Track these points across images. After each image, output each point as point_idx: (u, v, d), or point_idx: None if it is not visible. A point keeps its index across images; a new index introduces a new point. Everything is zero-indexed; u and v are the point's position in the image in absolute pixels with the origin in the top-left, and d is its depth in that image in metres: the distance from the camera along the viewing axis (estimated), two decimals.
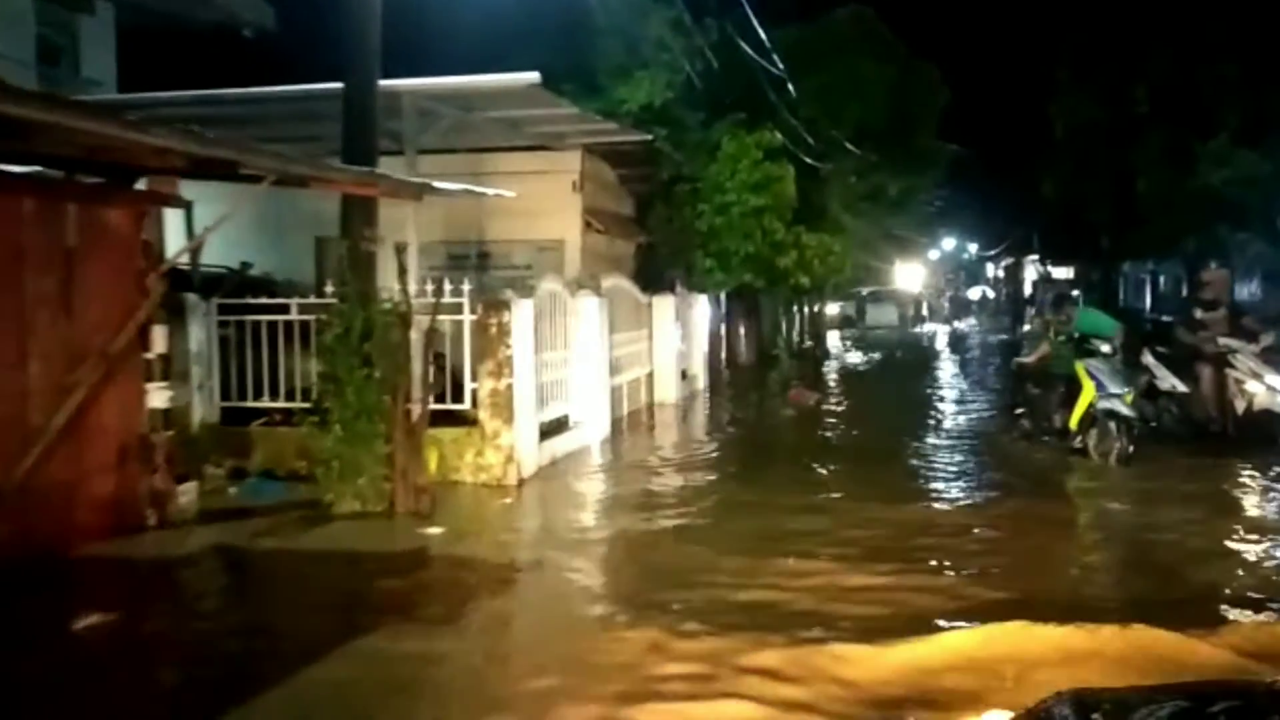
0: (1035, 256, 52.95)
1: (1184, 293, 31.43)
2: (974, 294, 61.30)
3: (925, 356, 29.53)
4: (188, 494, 9.24)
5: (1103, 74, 27.67)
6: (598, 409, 12.88)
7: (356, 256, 9.40)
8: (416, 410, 9.05)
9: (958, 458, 11.96)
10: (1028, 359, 12.88)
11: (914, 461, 11.79)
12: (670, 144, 17.92)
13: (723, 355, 22.52)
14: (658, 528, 8.51)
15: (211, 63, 18.34)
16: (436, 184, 8.98)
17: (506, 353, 10.07)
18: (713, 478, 10.77)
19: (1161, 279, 39.19)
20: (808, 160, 20.95)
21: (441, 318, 10.35)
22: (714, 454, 12.41)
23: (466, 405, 10.32)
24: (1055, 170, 32.23)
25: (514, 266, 15.84)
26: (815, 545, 7.68)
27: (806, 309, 30.56)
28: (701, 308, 19.30)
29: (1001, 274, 64.03)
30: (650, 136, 15.87)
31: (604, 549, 8.07)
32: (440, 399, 10.38)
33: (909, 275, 51.90)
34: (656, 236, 18.67)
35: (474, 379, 10.25)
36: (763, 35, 19.35)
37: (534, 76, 10.57)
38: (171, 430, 8.50)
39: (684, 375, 18.08)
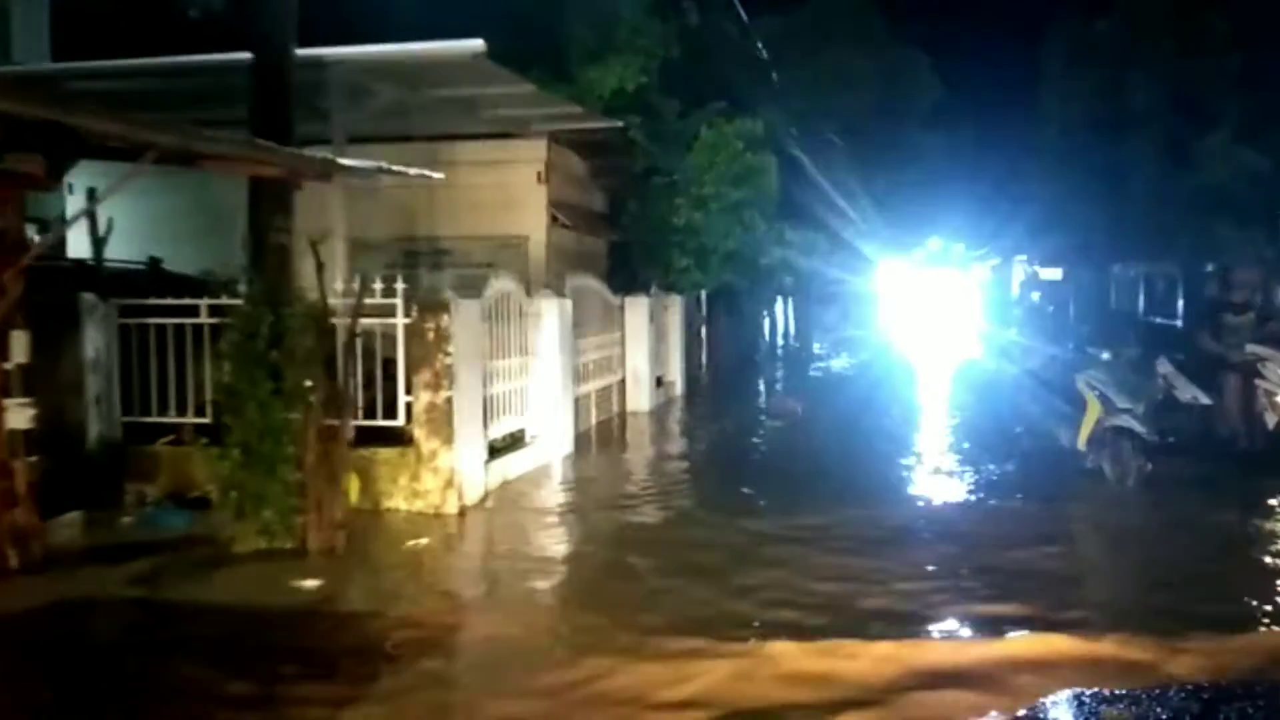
0: (1024, 257, 51.81)
1: (1179, 294, 30.32)
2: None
3: (913, 356, 28.32)
4: (70, 527, 7.98)
5: (1098, 65, 26.46)
6: (560, 422, 11.59)
7: (266, 250, 8.11)
8: (337, 429, 7.75)
9: (957, 482, 10.67)
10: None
11: (905, 487, 10.52)
12: (645, 134, 16.63)
13: (703, 359, 21.24)
14: (611, 581, 7.07)
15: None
16: (345, 161, 7.62)
17: (445, 361, 8.77)
18: (683, 505, 9.49)
19: (1156, 281, 38.06)
20: (793, 153, 19.65)
21: (371, 321, 9.09)
22: (686, 476, 11.14)
23: (401, 421, 9.03)
24: (1047, 166, 31.03)
25: (475, 265, 14.56)
26: (789, 615, 6.26)
27: (791, 309, 29.32)
28: (679, 309, 18.00)
29: (989, 274, 62.94)
30: (620, 123, 14.58)
31: (540, 612, 6.48)
32: (371, 414, 9.10)
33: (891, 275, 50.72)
34: (631, 234, 17.37)
35: (409, 391, 8.95)
36: (744, 18, 18.15)
37: (477, 44, 9.27)
38: (35, 456, 7.16)
39: (659, 382, 16.81)
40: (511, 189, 14.78)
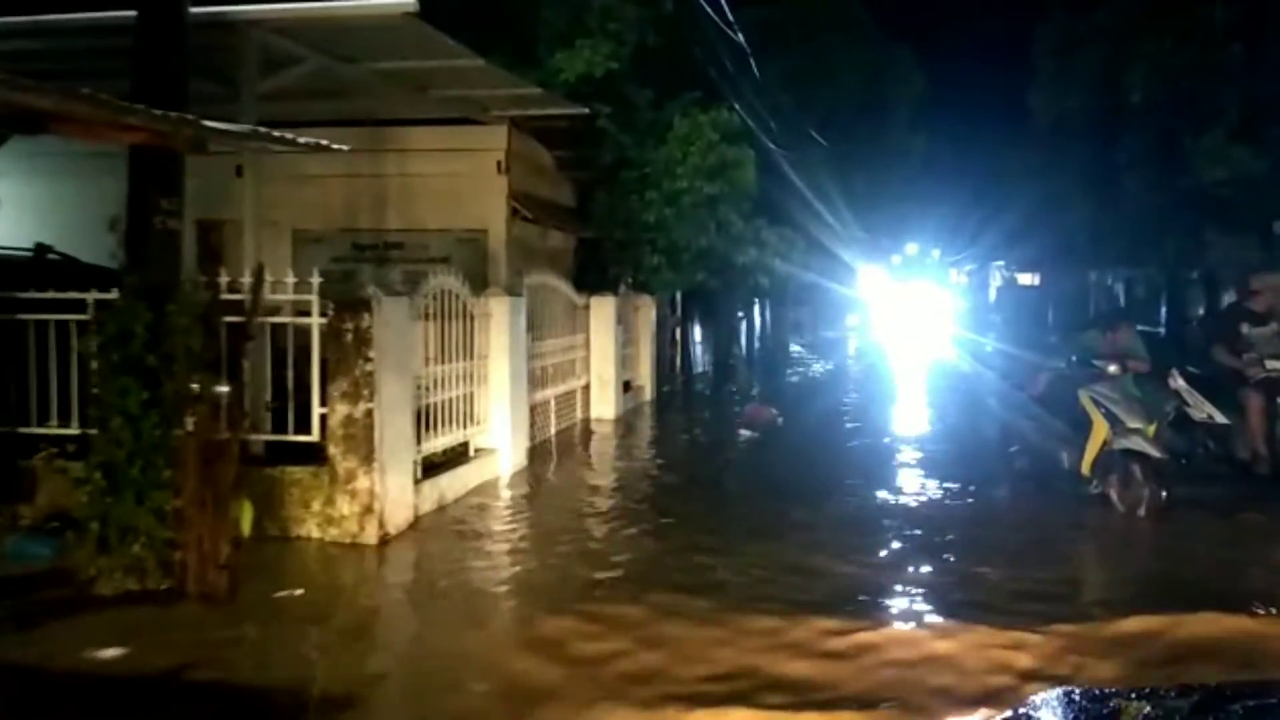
0: (1001, 262, 50.91)
1: (1161, 301, 29.33)
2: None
3: (892, 362, 27.20)
4: None
5: (1090, 58, 25.20)
6: (511, 433, 10.39)
7: (149, 236, 6.89)
8: (225, 446, 6.54)
9: (944, 510, 9.47)
10: (1032, 387, 10.35)
11: (887, 512, 9.33)
12: (615, 124, 15.48)
13: (677, 363, 20.10)
14: (545, 650, 5.58)
15: None
16: (216, 125, 6.38)
17: (366, 368, 7.56)
18: (643, 529, 8.31)
19: (1137, 287, 37.08)
20: (771, 146, 18.47)
21: (281, 320, 7.90)
22: (652, 492, 9.96)
23: (316, 436, 7.83)
24: (1031, 166, 29.87)
25: (430, 260, 13.39)
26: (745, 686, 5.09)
27: (768, 312, 28.18)
28: (650, 310, 16.84)
29: (966, 279, 62.05)
30: (585, 109, 13.42)
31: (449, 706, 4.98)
32: (281, 427, 7.90)
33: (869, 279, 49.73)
34: (600, 230, 16.20)
35: (324, 402, 7.74)
36: (725, 7, 17.01)
37: (409, 3, 8.06)
38: None
39: (628, 387, 15.64)
40: (469, 179, 13.65)
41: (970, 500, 9.60)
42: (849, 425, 14.80)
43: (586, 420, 14.04)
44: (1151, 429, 8.74)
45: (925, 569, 7.20)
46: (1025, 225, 32.15)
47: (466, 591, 6.71)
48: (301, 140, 6.86)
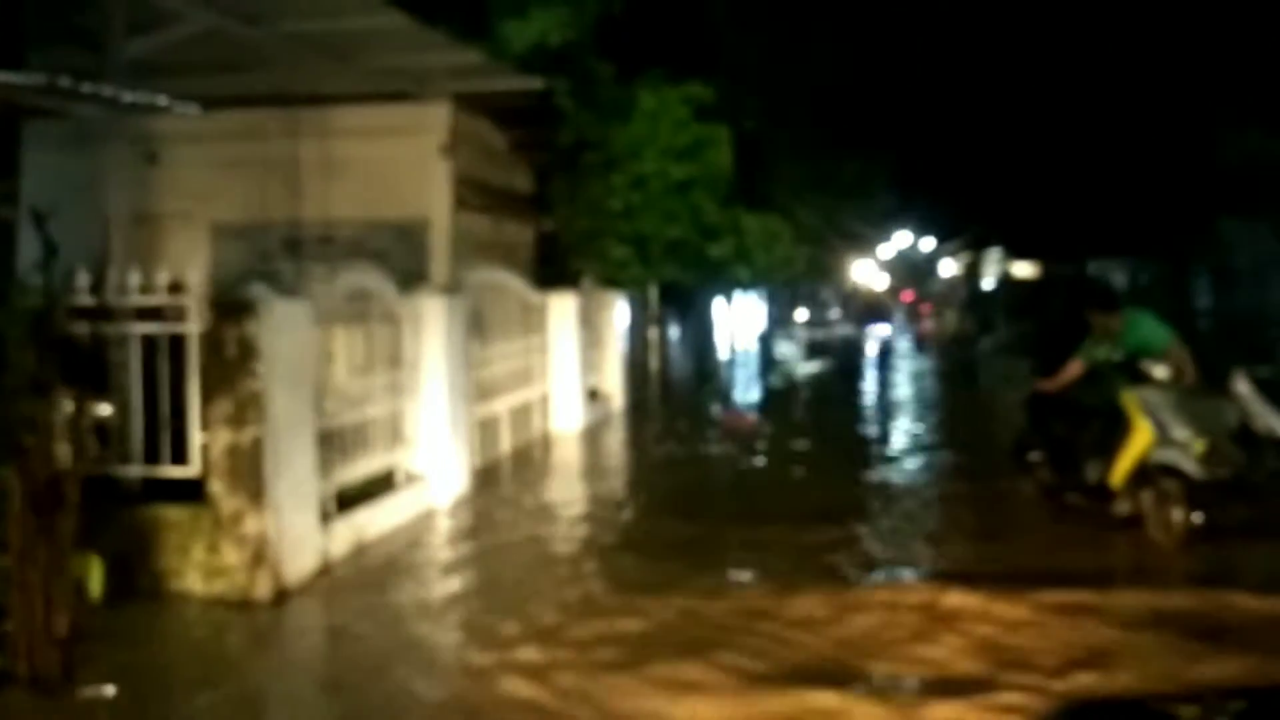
0: (997, 253, 49.67)
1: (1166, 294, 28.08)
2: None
3: (883, 363, 25.86)
4: None
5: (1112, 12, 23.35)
6: (449, 454, 8.99)
7: None
8: (63, 489, 5.13)
9: (956, 527, 8.26)
10: (1048, 383, 9.01)
11: (881, 537, 7.97)
12: (575, 101, 14.04)
13: (653, 366, 18.70)
14: None
15: None
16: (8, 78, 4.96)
17: (252, 386, 6.15)
18: (607, 570, 6.89)
19: (1140, 277, 35.83)
20: (747, 127, 17.03)
21: (146, 328, 6.50)
22: (612, 528, 8.50)
23: (196, 469, 6.43)
24: (1031, 147, 28.41)
25: (367, 254, 12.01)
26: None
27: (750, 308, 26.82)
28: (618, 309, 15.42)
29: (959, 272, 60.81)
30: (538, 83, 11.99)
31: None
32: (153, 457, 6.50)
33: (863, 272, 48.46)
34: (560, 219, 14.78)
35: (204, 427, 6.34)
36: None
37: None
38: None
39: (594, 395, 14.24)
40: (408, 164, 12.31)
41: (982, 525, 8.25)
42: (842, 432, 13.42)
43: (546, 435, 12.59)
44: (1200, 444, 7.38)
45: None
46: (1023, 213, 30.78)
47: (376, 672, 5.26)
48: (128, 98, 5.40)
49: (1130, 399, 7.75)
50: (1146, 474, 7.59)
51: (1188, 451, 7.36)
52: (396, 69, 10.72)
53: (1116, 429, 7.83)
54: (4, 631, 5.03)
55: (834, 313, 41.54)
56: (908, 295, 48.15)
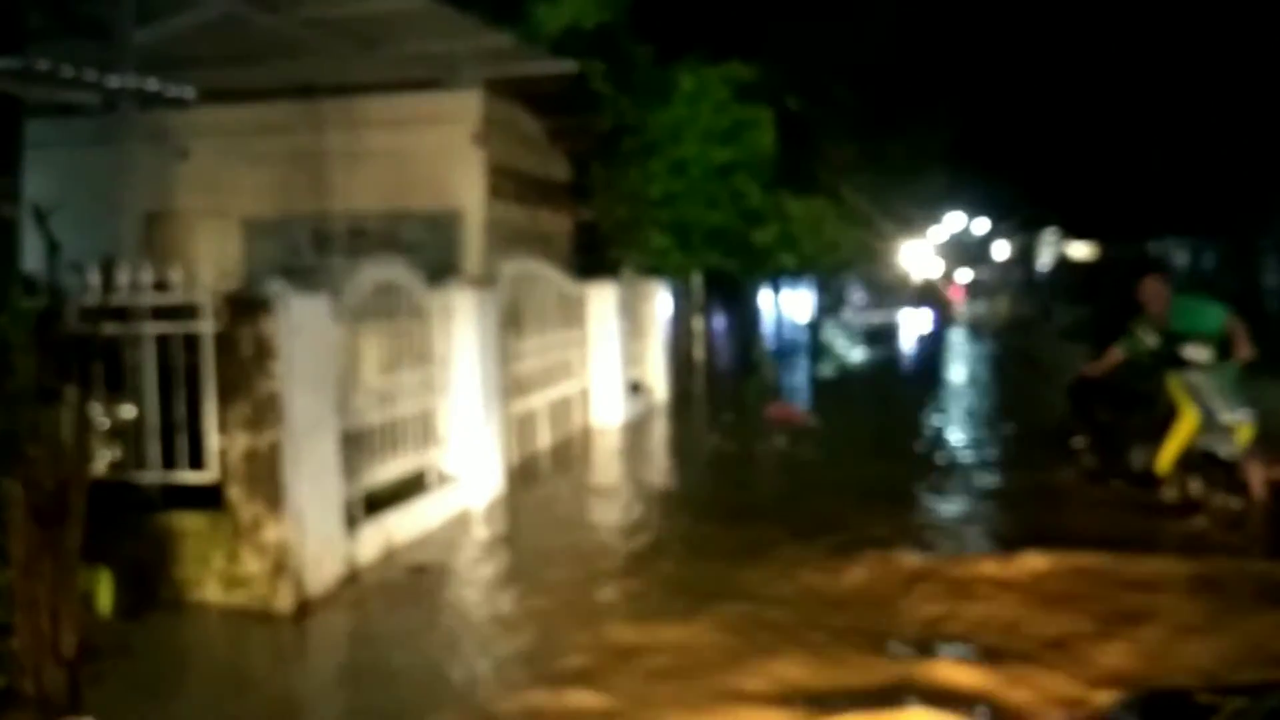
0: (1052, 235, 48.61)
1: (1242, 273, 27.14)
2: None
3: (936, 350, 25.26)
4: None
5: None
6: (483, 453, 8.67)
7: None
8: (67, 500, 4.86)
9: (1001, 514, 7.92)
10: (1092, 369, 8.82)
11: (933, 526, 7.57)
12: (612, 85, 13.67)
13: (699, 357, 18.28)
14: None
15: None
16: None
17: (270, 388, 5.86)
18: (650, 580, 6.47)
19: (1204, 257, 34.72)
20: (791, 107, 16.52)
21: (160, 328, 6.24)
22: (661, 520, 8.15)
23: (214, 474, 6.16)
24: (1089, 120, 27.38)
25: (401, 247, 11.77)
26: None
27: (798, 295, 26.30)
28: (660, 299, 15.03)
29: (1012, 255, 59.69)
30: (572, 66, 11.62)
31: None
32: (171, 462, 6.24)
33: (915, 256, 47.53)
34: (599, 208, 14.43)
35: (221, 430, 6.06)
36: None
37: None
38: None
39: (636, 388, 13.87)
40: (440, 154, 12.06)
41: (1027, 515, 7.85)
42: (893, 424, 12.91)
43: (587, 429, 12.25)
44: (1246, 428, 7.37)
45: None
46: (1081, 192, 29.86)
47: (404, 695, 4.93)
48: (115, 83, 5.09)
49: (1175, 384, 7.70)
50: (1194, 459, 7.59)
51: (1232, 436, 7.39)
52: (425, 55, 10.41)
53: (1162, 414, 7.79)
54: (8, 650, 4.77)
55: (885, 298, 40.89)
56: (956, 291, 46.99)
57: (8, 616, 4.65)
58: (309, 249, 12.39)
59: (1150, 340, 8.02)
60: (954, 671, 4.78)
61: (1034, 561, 6.30)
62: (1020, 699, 4.46)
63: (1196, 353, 7.61)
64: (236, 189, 12.33)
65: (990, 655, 4.96)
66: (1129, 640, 5.06)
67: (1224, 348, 7.63)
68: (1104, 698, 4.27)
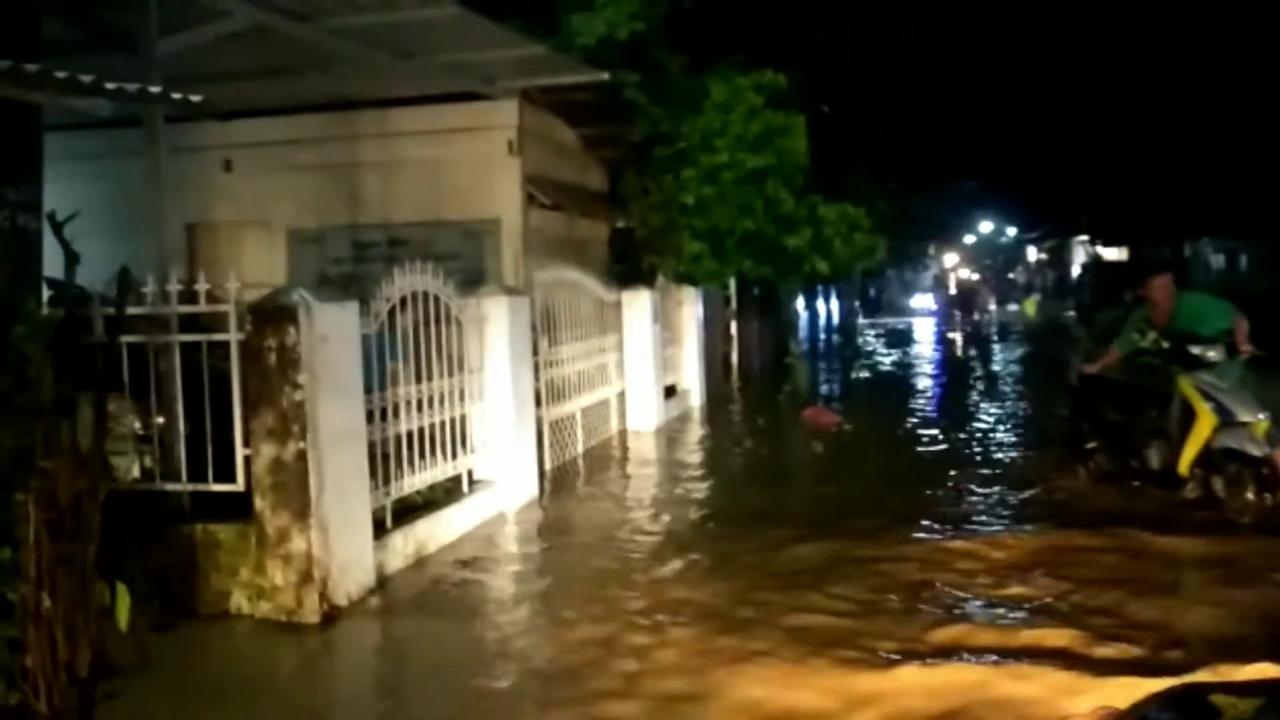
0: (1084, 237, 48.15)
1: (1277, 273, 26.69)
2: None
3: (973, 352, 24.96)
4: None
5: None
6: (516, 459, 8.63)
7: None
8: (85, 513, 4.85)
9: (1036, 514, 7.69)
10: (1091, 366, 8.81)
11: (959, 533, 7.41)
12: (645, 94, 13.65)
13: (733, 361, 18.21)
14: None
15: None
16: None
17: (295, 396, 5.83)
18: (688, 589, 6.33)
19: (1239, 257, 34.18)
20: (823, 113, 16.41)
21: (193, 338, 6.24)
22: (696, 526, 8.03)
23: (241, 485, 6.14)
24: (1121, 122, 27.00)
25: (439, 256, 11.79)
26: None
27: (831, 300, 26.12)
28: (694, 305, 14.98)
29: (1044, 257, 59.23)
30: (604, 75, 11.59)
31: None
32: (199, 473, 6.22)
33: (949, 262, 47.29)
34: (634, 215, 14.40)
35: (247, 441, 6.05)
36: None
37: None
38: None
39: (671, 392, 13.82)
40: (477, 163, 12.14)
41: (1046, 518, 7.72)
42: (929, 427, 12.75)
43: (623, 433, 12.22)
44: (1263, 424, 7.34)
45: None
46: (1113, 194, 29.48)
47: (432, 710, 4.87)
48: (120, 88, 5.04)
49: (1187, 385, 7.63)
50: (1213, 458, 7.48)
51: (1251, 432, 7.31)
52: (459, 64, 10.40)
53: (1173, 413, 7.73)
54: (21, 667, 4.74)
55: (920, 301, 40.53)
56: (985, 293, 46.60)
57: (20, 633, 4.63)
58: (349, 258, 12.45)
59: (1148, 338, 8.06)
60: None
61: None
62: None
63: (1207, 351, 7.60)
64: (278, 200, 12.48)
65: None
66: None
67: (1231, 346, 7.66)
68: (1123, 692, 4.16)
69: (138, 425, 6.58)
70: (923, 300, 42.17)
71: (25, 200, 5.28)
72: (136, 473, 6.60)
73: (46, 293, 6.07)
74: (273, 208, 12.68)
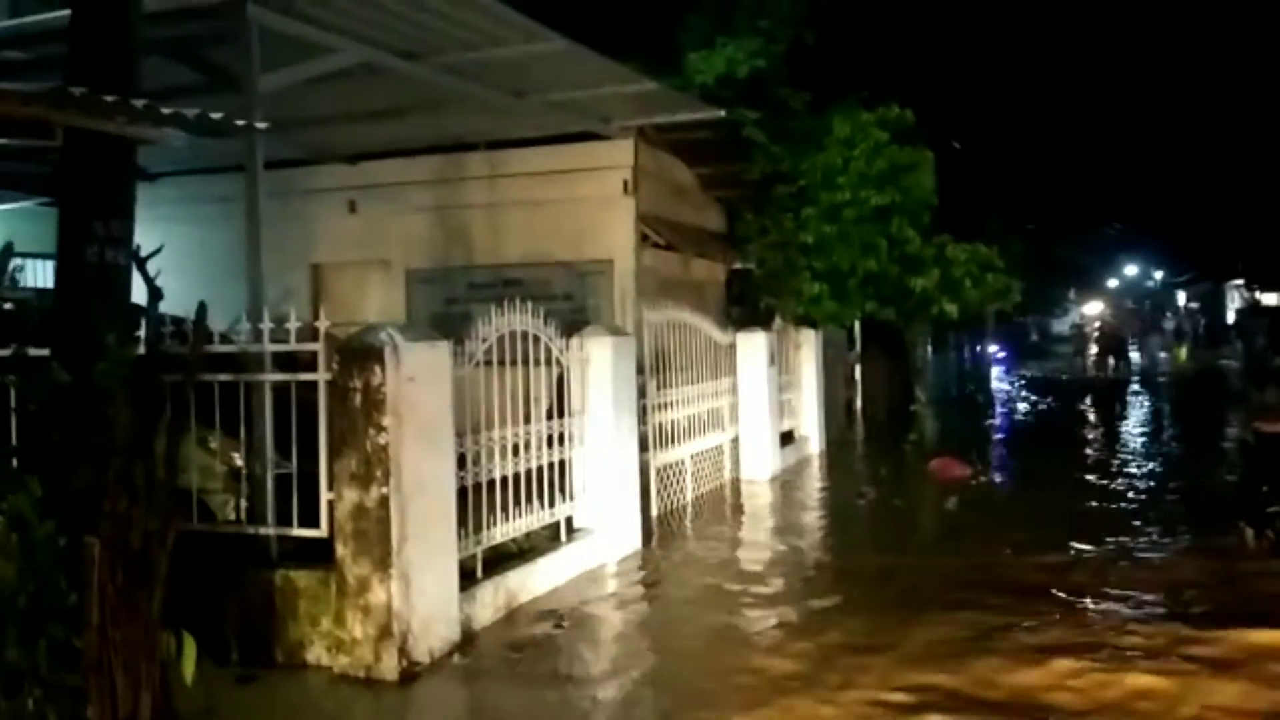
0: (1239, 281, 45.89)
1: None
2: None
3: (1116, 400, 23.70)
4: None
5: None
6: (618, 506, 8.30)
7: (79, 272, 5.17)
8: (155, 559, 4.69)
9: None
10: (1272, 425, 7.96)
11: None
12: (765, 132, 13.32)
13: (856, 407, 17.60)
14: None
15: None
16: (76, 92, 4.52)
17: (380, 440, 5.61)
18: (783, 668, 5.83)
19: None
20: (954, 150, 15.79)
21: (281, 378, 6.09)
22: (819, 589, 7.47)
23: (324, 530, 5.95)
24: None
25: (552, 296, 11.69)
26: None
27: (964, 346, 25.20)
28: (814, 348, 14.48)
29: (1195, 304, 56.66)
30: (720, 111, 11.28)
31: None
32: (285, 518, 6.05)
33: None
34: (752, 255, 14.05)
35: (331, 485, 5.85)
36: None
37: None
38: None
39: (789, 438, 13.34)
40: (592, 203, 11.97)
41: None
42: (1069, 482, 11.91)
43: (735, 481, 11.78)
44: None
45: None
46: (1273, 233, 27.89)
47: None
48: (217, 116, 4.89)
49: None
50: None
51: None
52: (571, 102, 10.23)
53: None
54: (82, 716, 4.57)
55: (1061, 346, 39.00)
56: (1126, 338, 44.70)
57: (83, 681, 4.47)
58: (463, 298, 12.41)
59: None
60: None
61: None
62: None
63: None
64: (398, 240, 12.57)
65: None
66: None
67: None
68: None
69: (240, 462, 6.48)
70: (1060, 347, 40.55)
71: (114, 235, 5.19)
72: (231, 513, 6.50)
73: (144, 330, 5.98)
74: (392, 248, 12.75)
